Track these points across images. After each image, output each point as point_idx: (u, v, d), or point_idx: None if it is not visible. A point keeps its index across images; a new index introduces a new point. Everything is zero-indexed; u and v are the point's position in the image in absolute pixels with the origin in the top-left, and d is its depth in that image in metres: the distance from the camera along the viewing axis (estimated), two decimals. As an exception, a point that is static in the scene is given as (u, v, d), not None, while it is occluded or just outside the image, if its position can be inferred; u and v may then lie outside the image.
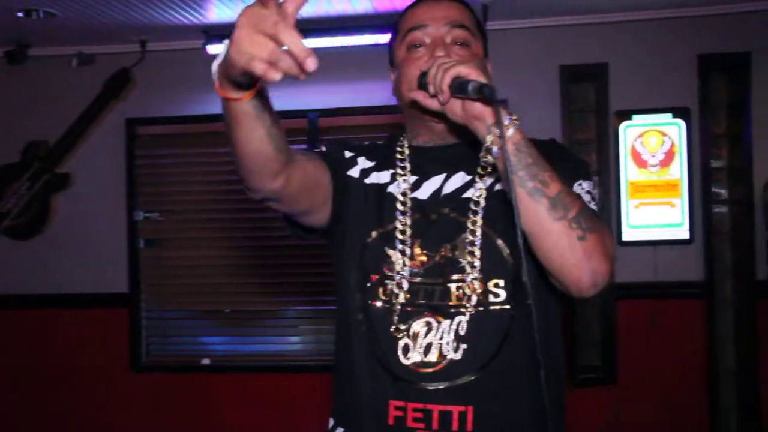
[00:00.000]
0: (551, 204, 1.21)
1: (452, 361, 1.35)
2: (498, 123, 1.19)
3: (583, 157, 1.52)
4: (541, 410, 1.27)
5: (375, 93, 4.20)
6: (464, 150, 1.41)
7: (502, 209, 1.36)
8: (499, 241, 1.38)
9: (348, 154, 1.54)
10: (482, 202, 1.40)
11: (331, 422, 1.52)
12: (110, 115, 4.36)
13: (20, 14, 3.59)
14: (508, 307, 1.37)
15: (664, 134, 4.05)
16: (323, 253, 4.44)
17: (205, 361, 4.44)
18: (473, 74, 1.20)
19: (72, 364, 4.46)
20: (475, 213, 1.39)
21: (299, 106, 4.28)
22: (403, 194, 1.42)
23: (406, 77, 1.42)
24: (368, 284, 1.43)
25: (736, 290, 4.13)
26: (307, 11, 3.76)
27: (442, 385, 1.35)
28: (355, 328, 1.44)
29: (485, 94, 1.18)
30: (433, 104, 1.30)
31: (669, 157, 4.05)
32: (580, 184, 1.39)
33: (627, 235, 4.06)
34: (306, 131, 4.27)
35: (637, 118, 4.07)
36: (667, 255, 4.05)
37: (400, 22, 1.49)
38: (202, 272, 4.46)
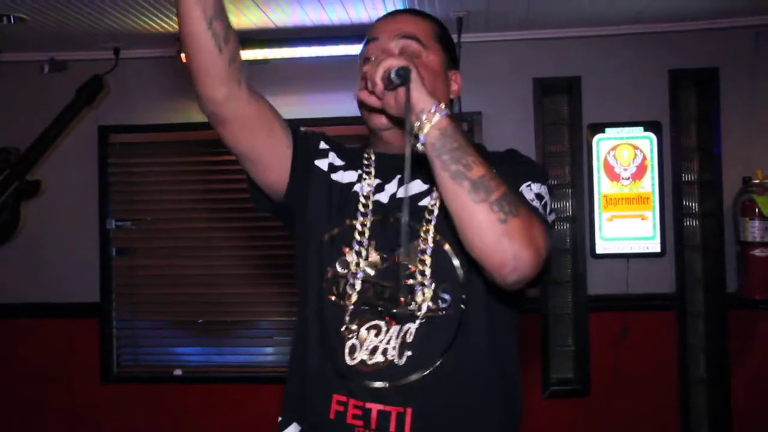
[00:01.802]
0: (473, 186, 1.21)
1: (395, 365, 1.35)
2: (407, 102, 1.21)
3: (540, 164, 1.53)
4: (484, 416, 1.33)
5: (349, 104, 4.19)
6: (422, 158, 1.38)
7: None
8: (447, 247, 1.38)
9: (323, 145, 1.58)
10: (435, 210, 1.41)
11: (279, 419, 1.53)
12: (82, 122, 4.32)
13: (-10, 19, 3.55)
14: (452, 311, 1.37)
15: (636, 147, 4.10)
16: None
17: (177, 372, 4.40)
18: (401, 64, 1.24)
19: (41, 374, 4.39)
20: (429, 221, 1.40)
21: (274, 115, 4.26)
22: (366, 196, 1.45)
23: (360, 95, 1.46)
24: (324, 279, 1.45)
25: (706, 302, 4.18)
26: (283, 20, 3.76)
27: (383, 384, 1.36)
28: (309, 321, 1.47)
29: (401, 76, 1.22)
30: (373, 101, 1.35)
31: (641, 170, 4.09)
32: (528, 185, 1.39)
33: (600, 247, 4.09)
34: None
35: (609, 132, 4.11)
36: (640, 267, 4.08)
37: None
38: (175, 282, 4.42)
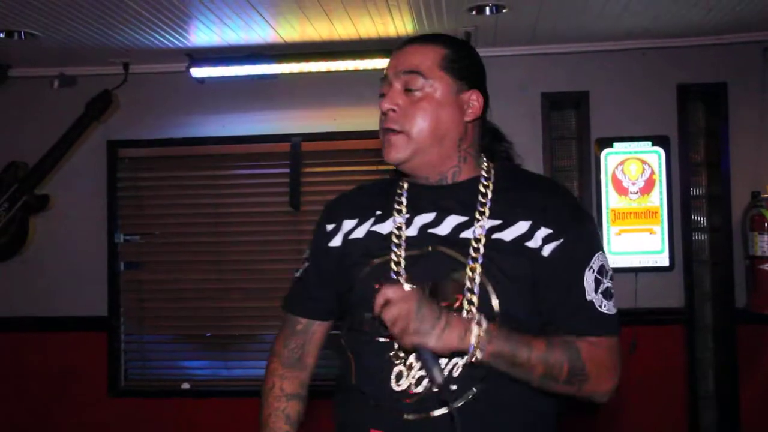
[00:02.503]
0: (541, 381, 1.33)
1: (447, 392, 1.34)
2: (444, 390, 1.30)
3: (593, 221, 1.53)
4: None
5: (357, 118, 4.23)
6: (455, 190, 1.47)
7: (497, 257, 1.39)
8: (490, 288, 1.38)
9: (329, 227, 1.62)
10: (481, 248, 1.40)
11: None
12: (91, 136, 4.34)
13: (1, 35, 3.57)
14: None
15: (644, 162, 4.10)
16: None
17: (185, 386, 4.39)
18: (421, 344, 1.28)
19: (49, 387, 4.39)
20: (476, 260, 1.39)
21: (282, 130, 4.28)
22: (398, 228, 1.46)
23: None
24: (363, 320, 1.46)
25: (715, 317, 4.16)
26: (292, 36, 3.77)
27: (419, 416, 1.37)
28: (346, 350, 1.53)
29: (433, 378, 1.29)
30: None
31: (649, 184, 4.09)
32: (590, 270, 1.40)
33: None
34: (289, 155, 4.26)
35: (617, 146, 4.11)
36: (648, 282, 4.07)
37: None
38: (183, 296, 4.43)
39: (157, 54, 4.03)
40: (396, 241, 1.45)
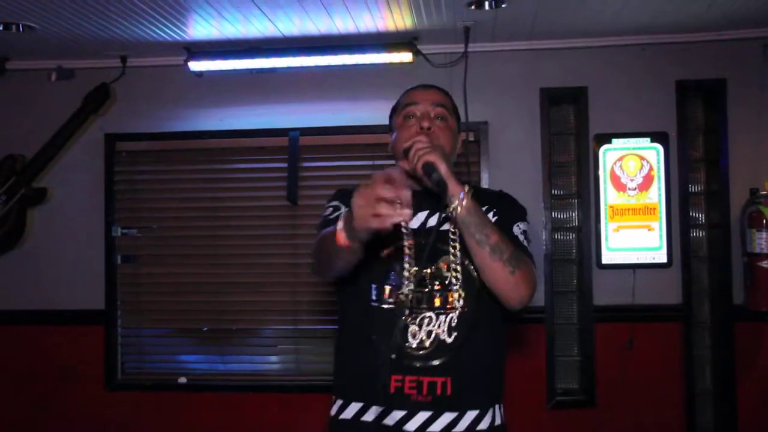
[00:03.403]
0: (491, 250, 1.74)
1: (442, 345, 1.88)
2: (445, 205, 1.74)
3: (522, 204, 2.09)
4: (486, 377, 1.94)
5: (355, 113, 4.22)
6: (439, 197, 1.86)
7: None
8: (468, 264, 1.90)
9: (344, 209, 1.95)
10: (457, 237, 1.89)
11: (340, 402, 1.98)
12: (89, 130, 4.33)
13: (-1, 27, 3.57)
14: (472, 307, 1.91)
15: (642, 158, 4.09)
16: (302, 272, 4.43)
17: (182, 380, 4.39)
18: (436, 162, 1.74)
19: (46, 381, 4.39)
20: (455, 244, 1.91)
21: (281, 124, 4.28)
22: (405, 223, 1.75)
23: (401, 139, 1.96)
24: (377, 287, 1.93)
25: (713, 313, 4.16)
26: (290, 30, 3.76)
27: (429, 363, 1.87)
28: (361, 319, 1.93)
29: (439, 188, 1.73)
30: (411, 174, 1.85)
31: (647, 181, 4.08)
32: (518, 225, 1.97)
33: (606, 258, 4.08)
34: (286, 149, 4.26)
35: (616, 142, 4.11)
36: (646, 278, 4.07)
37: (401, 99, 2.07)
38: (180, 290, 4.42)
39: (155, 47, 4.02)
40: (405, 232, 1.91)
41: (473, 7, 3.44)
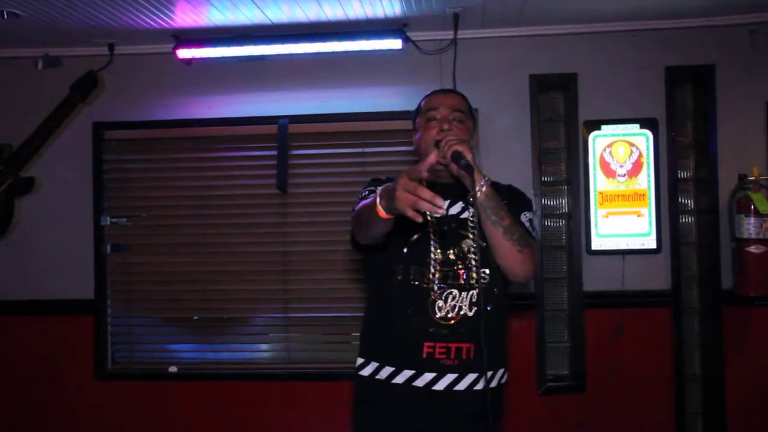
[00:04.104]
0: (504, 230, 2.06)
1: (466, 317, 2.17)
2: (473, 187, 1.99)
3: (528, 195, 2.40)
4: (498, 343, 2.25)
5: (344, 100, 4.21)
6: (459, 187, 2.15)
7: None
8: (485, 245, 2.15)
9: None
10: (475, 223, 2.18)
11: (361, 360, 2.28)
12: (77, 118, 4.30)
13: (-16, 15, 3.53)
14: (490, 282, 2.21)
15: (632, 144, 4.10)
16: (292, 260, 4.42)
17: (172, 369, 4.39)
18: (465, 152, 2.01)
19: (36, 370, 4.38)
20: (473, 229, 2.21)
21: (270, 112, 4.26)
22: (430, 214, 2.09)
23: (424, 139, 2.24)
24: (408, 269, 2.20)
25: (702, 299, 4.19)
26: (279, 17, 3.74)
27: (456, 332, 2.16)
28: (395, 295, 2.20)
29: (468, 171, 1.98)
30: (440, 163, 2.08)
31: (637, 167, 4.09)
32: (524, 214, 2.26)
33: (596, 244, 4.09)
34: (276, 137, 4.24)
35: (606, 128, 4.11)
36: (635, 264, 4.09)
37: (422, 103, 2.33)
38: (170, 279, 4.41)
39: (143, 35, 3.99)
40: (431, 220, 2.21)
41: (462, -7, 3.44)
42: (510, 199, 2.23)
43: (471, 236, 2.22)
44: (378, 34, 3.96)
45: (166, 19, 3.72)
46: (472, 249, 2.20)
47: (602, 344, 4.09)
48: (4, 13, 3.53)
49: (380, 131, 4.22)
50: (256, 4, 3.52)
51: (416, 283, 2.20)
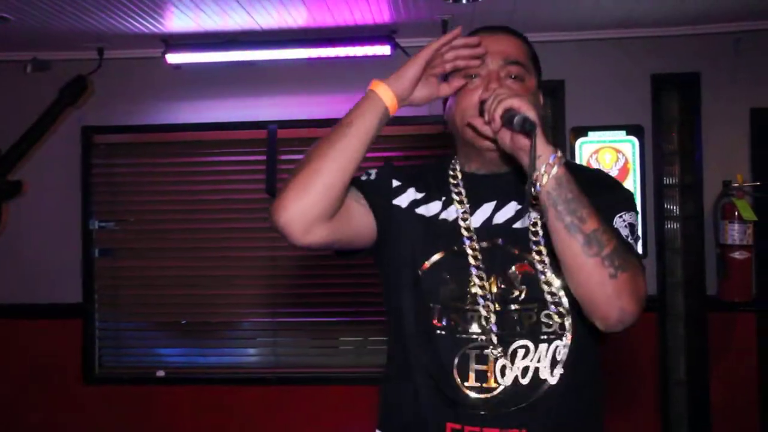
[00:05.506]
0: (586, 240, 1.25)
1: (548, 383, 1.40)
2: (532, 157, 1.25)
3: (627, 189, 1.55)
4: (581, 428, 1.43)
5: (333, 105, 4.22)
6: (515, 179, 1.44)
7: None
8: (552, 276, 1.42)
9: (395, 183, 1.55)
10: (540, 239, 1.42)
11: None
12: (66, 122, 4.30)
13: (-28, 18, 3.53)
14: (566, 336, 1.43)
15: (618, 151, 4.13)
16: (280, 264, 4.43)
17: (160, 373, 4.38)
18: (523, 107, 1.26)
19: (23, 374, 4.36)
20: (538, 249, 1.42)
21: (259, 117, 4.27)
22: (464, 220, 1.46)
23: (460, 105, 1.47)
24: (430, 311, 1.44)
25: (687, 304, 4.22)
26: (269, 23, 3.76)
27: (498, 411, 1.39)
28: (415, 353, 1.46)
29: (527, 129, 1.24)
30: (487, 131, 1.37)
31: (623, 173, 4.13)
32: (621, 216, 1.42)
33: (582, 249, 4.11)
34: (265, 142, 4.25)
35: (592, 135, 4.14)
36: (621, 269, 4.11)
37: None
38: (158, 283, 4.41)
39: (132, 39, 4.00)
40: (466, 234, 1.45)
41: (451, 0, 3.46)
42: (597, 191, 1.37)
43: (536, 257, 1.42)
44: (367, 41, 3.98)
45: (155, 23, 3.73)
46: (544, 275, 1.41)
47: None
48: (-7, 16, 3.53)
49: (369, 137, 4.23)
50: (245, 9, 3.53)
51: (444, 331, 1.42)
